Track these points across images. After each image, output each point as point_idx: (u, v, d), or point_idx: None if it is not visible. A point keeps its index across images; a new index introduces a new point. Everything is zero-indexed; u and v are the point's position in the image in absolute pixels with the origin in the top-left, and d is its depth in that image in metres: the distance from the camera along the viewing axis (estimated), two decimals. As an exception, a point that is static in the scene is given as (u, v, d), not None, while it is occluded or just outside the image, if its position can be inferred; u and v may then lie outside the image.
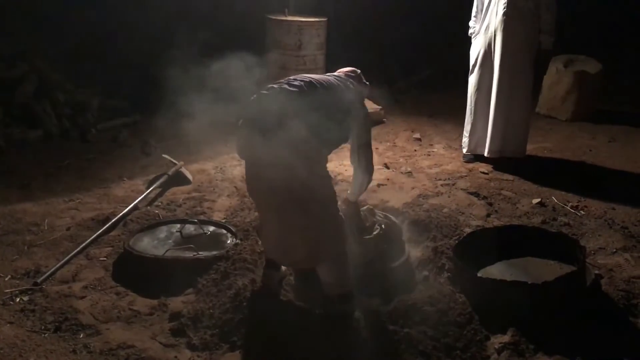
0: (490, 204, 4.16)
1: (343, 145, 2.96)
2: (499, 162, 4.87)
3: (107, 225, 3.69)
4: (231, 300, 2.84)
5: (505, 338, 2.67)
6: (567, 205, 4.14)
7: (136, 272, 3.19)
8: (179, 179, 4.50)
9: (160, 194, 4.30)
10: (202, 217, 3.84)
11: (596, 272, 3.17)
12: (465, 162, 5.04)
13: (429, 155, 5.29)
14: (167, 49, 4.27)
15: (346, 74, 3.06)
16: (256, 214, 3.81)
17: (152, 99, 5.32)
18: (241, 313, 2.77)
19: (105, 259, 3.41)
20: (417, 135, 5.75)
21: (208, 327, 2.74)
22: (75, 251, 3.41)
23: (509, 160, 4.85)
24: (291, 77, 2.82)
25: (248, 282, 2.95)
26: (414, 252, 3.37)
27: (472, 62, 4.84)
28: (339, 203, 2.93)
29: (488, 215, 3.99)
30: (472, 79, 4.86)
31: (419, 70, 7.83)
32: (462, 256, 3.05)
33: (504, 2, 4.55)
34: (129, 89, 6.19)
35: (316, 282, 2.86)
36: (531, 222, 3.87)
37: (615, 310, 2.92)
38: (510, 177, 4.69)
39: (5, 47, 5.91)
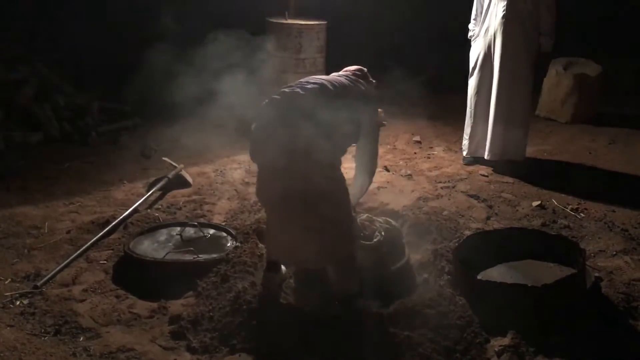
0: (490, 207, 4.16)
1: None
2: (498, 164, 4.87)
3: (107, 228, 3.69)
4: (231, 303, 2.83)
5: (505, 341, 2.67)
6: (567, 208, 4.14)
7: (136, 275, 3.19)
8: (179, 182, 4.49)
9: (160, 197, 4.30)
10: (202, 220, 3.84)
11: (596, 274, 3.17)
12: (465, 164, 5.04)
13: (429, 157, 5.29)
14: (171, 53, 4.27)
15: (353, 73, 3.05)
16: (256, 216, 3.82)
17: (152, 102, 5.34)
18: (241, 316, 2.76)
19: (105, 262, 3.40)
20: (417, 138, 5.75)
21: (208, 330, 2.74)
22: (76, 254, 3.41)
23: (508, 162, 4.85)
24: (303, 80, 2.80)
25: (248, 285, 2.95)
26: (414, 254, 3.36)
27: (471, 64, 4.84)
28: None
29: (488, 218, 4.00)
30: (472, 82, 4.86)
31: (419, 72, 7.82)
32: (462, 259, 3.06)
33: (504, 4, 4.55)
34: (129, 93, 6.18)
35: (316, 285, 2.86)
36: (531, 225, 3.87)
37: (615, 313, 2.92)
38: (510, 179, 4.69)
39: (5, 50, 5.91)
